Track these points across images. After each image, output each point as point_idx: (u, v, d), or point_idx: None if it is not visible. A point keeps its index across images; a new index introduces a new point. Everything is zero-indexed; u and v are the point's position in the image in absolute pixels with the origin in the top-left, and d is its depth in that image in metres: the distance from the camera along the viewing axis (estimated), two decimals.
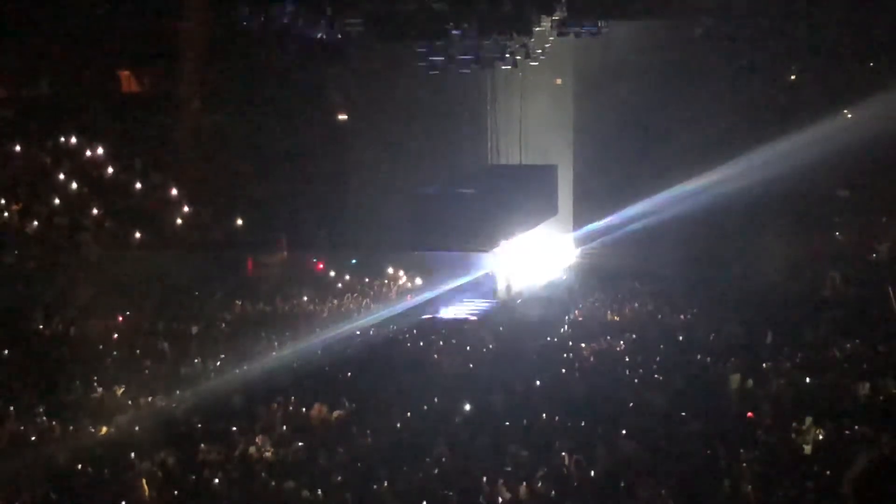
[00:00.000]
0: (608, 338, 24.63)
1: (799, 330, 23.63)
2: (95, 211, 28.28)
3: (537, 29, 30.10)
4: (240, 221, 28.77)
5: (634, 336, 24.73)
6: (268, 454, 18.69)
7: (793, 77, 30.49)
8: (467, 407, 19.82)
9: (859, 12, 27.91)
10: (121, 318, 27.39)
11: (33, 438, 19.82)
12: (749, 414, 18.47)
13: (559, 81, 34.33)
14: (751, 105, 29.95)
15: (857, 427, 17.38)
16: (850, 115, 28.46)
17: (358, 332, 25.76)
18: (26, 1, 29.60)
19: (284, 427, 20.02)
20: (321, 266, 29.89)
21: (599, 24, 29.62)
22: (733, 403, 19.59)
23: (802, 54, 29.86)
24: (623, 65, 31.49)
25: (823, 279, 27.41)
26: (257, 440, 19.10)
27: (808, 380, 20.17)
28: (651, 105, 31.13)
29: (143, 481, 17.21)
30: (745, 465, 16.18)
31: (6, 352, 24.46)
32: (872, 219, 28.85)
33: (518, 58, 30.41)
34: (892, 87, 26.48)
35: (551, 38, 30.77)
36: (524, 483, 16.26)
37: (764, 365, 21.21)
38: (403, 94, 32.38)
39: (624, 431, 17.90)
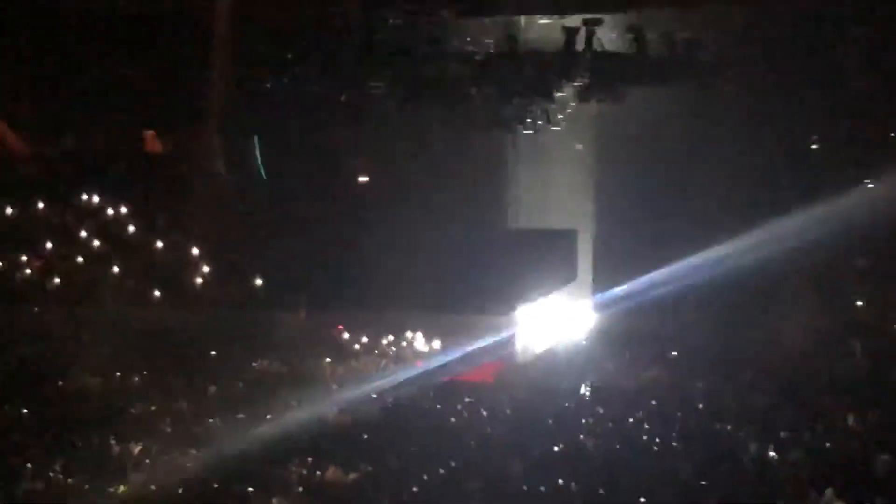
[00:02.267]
0: (627, 404, 24.52)
1: (819, 400, 23.50)
2: (116, 268, 28.38)
3: (558, 94, 30.24)
4: (259, 281, 28.79)
5: (654, 402, 24.62)
6: None
7: (814, 146, 30.47)
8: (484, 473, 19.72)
9: (882, 82, 27.97)
10: (138, 377, 27.42)
11: (49, 495, 19.77)
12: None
13: (580, 147, 34.38)
14: (773, 173, 29.93)
15: (877, 499, 17.21)
16: (871, 185, 28.42)
17: (375, 394, 25.69)
18: (51, 59, 29.90)
19: (300, 489, 19.95)
20: (342, 328, 29.87)
21: (621, 90, 29.76)
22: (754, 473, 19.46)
23: (824, 123, 29.88)
24: (644, 130, 31.50)
25: (844, 349, 27.30)
26: (273, 501, 19.03)
27: (828, 449, 20.04)
28: (672, 171, 31.09)
29: None
30: None
31: (24, 409, 24.48)
32: (893, 288, 28.69)
33: (539, 122, 30.53)
34: None
35: (573, 104, 30.91)
36: None
37: (782, 434, 21.05)
38: (424, 157, 32.48)
39: (643, 500, 17.76)
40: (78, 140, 30.88)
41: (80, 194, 28.99)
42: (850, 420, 21.75)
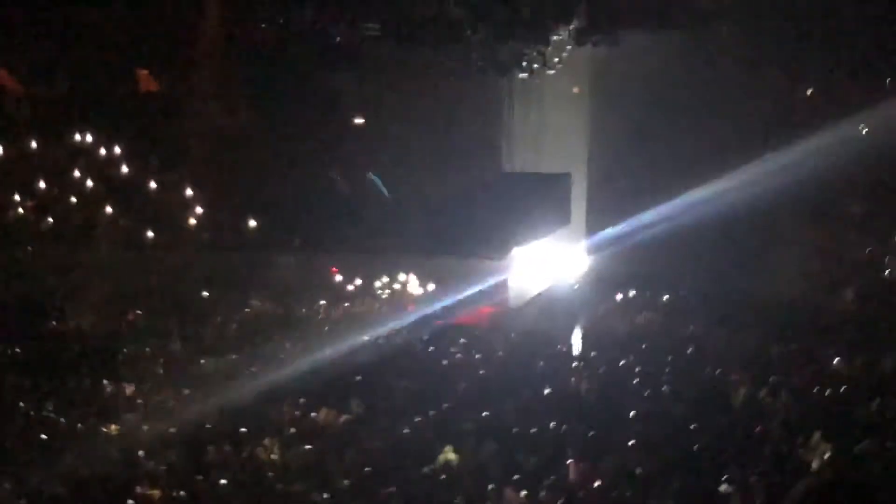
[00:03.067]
0: (618, 347, 24.65)
1: (809, 344, 23.60)
2: (110, 209, 28.36)
3: (555, 37, 30.09)
4: (253, 222, 28.80)
5: (645, 346, 24.74)
6: (275, 456, 18.73)
7: (810, 90, 30.38)
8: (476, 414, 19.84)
9: (881, 26, 27.85)
10: (132, 317, 27.50)
11: (42, 435, 19.89)
12: (759, 428, 18.38)
13: (577, 90, 34.28)
14: (767, 116, 29.89)
15: (864, 442, 17.31)
16: (865, 130, 28.34)
17: (368, 337, 25.78)
18: None
19: (293, 429, 20.06)
20: (335, 270, 29.91)
21: (617, 33, 29.62)
22: (742, 417, 19.55)
23: (821, 66, 29.78)
24: (640, 74, 31.39)
25: (835, 294, 27.41)
26: (265, 442, 19.15)
27: (816, 392, 20.13)
28: (667, 115, 31.02)
29: (150, 487, 17.26)
30: (753, 478, 16.12)
31: (18, 348, 24.57)
32: (886, 235, 28.69)
33: (535, 66, 30.42)
34: None
35: (569, 47, 30.77)
36: (530, 491, 16.28)
37: (772, 378, 21.13)
38: (419, 99, 32.36)
39: (632, 442, 17.87)
40: (72, 80, 30.63)
41: (74, 134, 28.83)
42: (837, 362, 21.81)
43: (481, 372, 23.53)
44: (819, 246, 28.99)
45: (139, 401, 22.27)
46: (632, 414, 19.18)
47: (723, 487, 15.72)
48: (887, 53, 28.10)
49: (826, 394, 19.98)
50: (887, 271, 27.89)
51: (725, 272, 28.86)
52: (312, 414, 20.98)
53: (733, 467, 16.43)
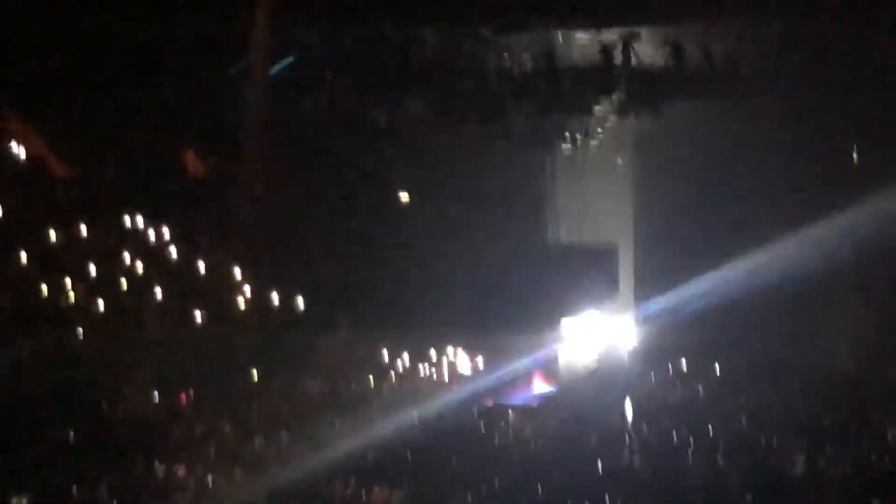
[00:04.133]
0: (671, 420, 24.40)
1: (863, 415, 23.31)
2: (159, 290, 28.53)
3: (597, 109, 30.25)
4: (301, 301, 28.85)
5: (697, 419, 24.48)
6: None
7: (856, 156, 30.28)
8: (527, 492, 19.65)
9: None
10: (184, 398, 27.54)
11: None
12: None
13: (620, 161, 34.35)
14: (815, 184, 29.76)
15: None
16: None
17: (417, 415, 25.67)
18: (96, 82, 30.14)
19: None
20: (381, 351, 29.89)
21: (659, 104, 29.74)
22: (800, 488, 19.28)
23: (869, 134, 29.69)
24: (683, 144, 31.47)
25: (888, 364, 27.08)
26: None
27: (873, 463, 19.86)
28: (712, 184, 31.03)
29: None
30: None
31: (70, 433, 24.61)
32: None
33: (578, 137, 30.55)
34: None
35: (611, 118, 30.90)
36: None
37: (828, 449, 20.87)
38: (463, 174, 32.51)
39: None
40: (119, 162, 31.01)
41: (122, 216, 29.11)
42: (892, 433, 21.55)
43: (532, 447, 23.34)
44: (871, 315, 28.72)
45: (191, 482, 22.23)
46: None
47: None
48: None
49: (885, 463, 19.72)
50: None
51: (776, 342, 28.63)
52: (364, 492, 20.86)
53: None
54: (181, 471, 22.80)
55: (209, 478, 22.44)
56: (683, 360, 29.86)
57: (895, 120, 28.80)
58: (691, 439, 22.57)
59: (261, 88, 30.50)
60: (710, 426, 23.61)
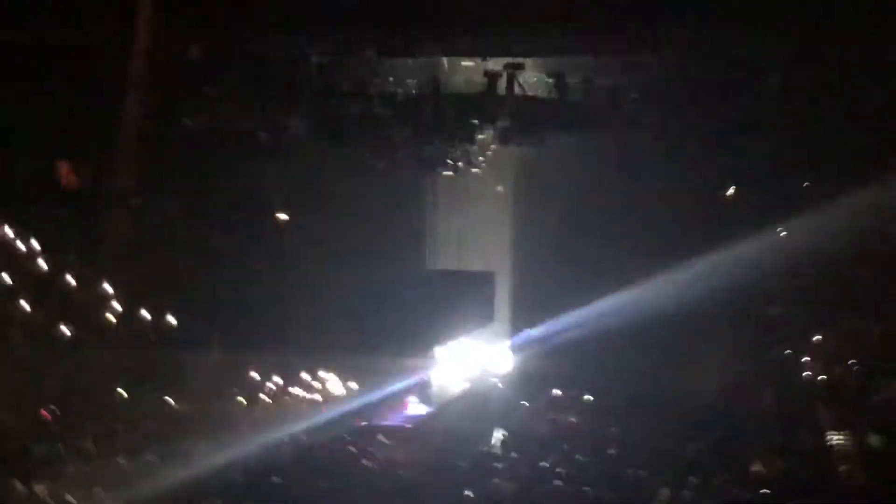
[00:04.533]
0: (540, 448, 24.49)
1: (730, 446, 23.65)
2: (25, 304, 27.82)
3: (480, 136, 30.37)
4: (170, 319, 28.40)
5: (566, 447, 24.62)
6: None
7: (729, 193, 30.88)
8: None
9: (795, 133, 28.43)
10: (46, 414, 26.84)
11: None
12: None
13: (501, 189, 34.55)
14: (689, 220, 30.28)
15: None
16: (783, 234, 28.83)
17: (287, 437, 25.40)
18: None
19: None
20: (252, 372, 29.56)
21: (541, 134, 29.96)
22: None
23: (739, 173, 30.34)
24: (564, 175, 31.80)
25: (756, 395, 27.58)
26: None
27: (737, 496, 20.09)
28: (591, 216, 31.42)
29: None
30: None
31: None
32: (805, 337, 29.03)
33: (460, 164, 30.63)
34: (825, 206, 26.87)
35: (493, 147, 31.07)
36: None
37: (693, 480, 21.12)
38: (344, 196, 32.42)
39: None
40: None
41: None
42: (757, 467, 21.86)
43: (402, 473, 23.22)
44: (739, 348, 29.28)
45: (51, 502, 21.62)
46: None
47: None
48: (809, 158, 28.65)
49: (747, 498, 19.99)
50: (806, 372, 28.13)
51: (648, 373, 29.02)
52: None
53: None
54: (41, 489, 22.21)
55: (69, 497, 21.90)
56: (556, 390, 30.08)
57: (770, 168, 29.45)
58: (559, 468, 22.67)
59: (137, 100, 30.01)
60: (578, 456, 23.78)
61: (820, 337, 28.52)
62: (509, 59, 28.90)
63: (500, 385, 30.76)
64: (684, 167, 30.25)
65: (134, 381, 28.22)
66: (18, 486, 22.15)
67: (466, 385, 30.38)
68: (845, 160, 27.67)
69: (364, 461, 24.15)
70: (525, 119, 29.73)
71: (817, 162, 28.73)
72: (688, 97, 28.96)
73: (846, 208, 26.29)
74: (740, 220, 28.56)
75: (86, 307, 28.15)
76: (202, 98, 30.83)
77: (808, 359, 28.38)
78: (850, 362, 27.36)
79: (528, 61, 28.98)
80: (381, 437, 25.95)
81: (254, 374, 29.51)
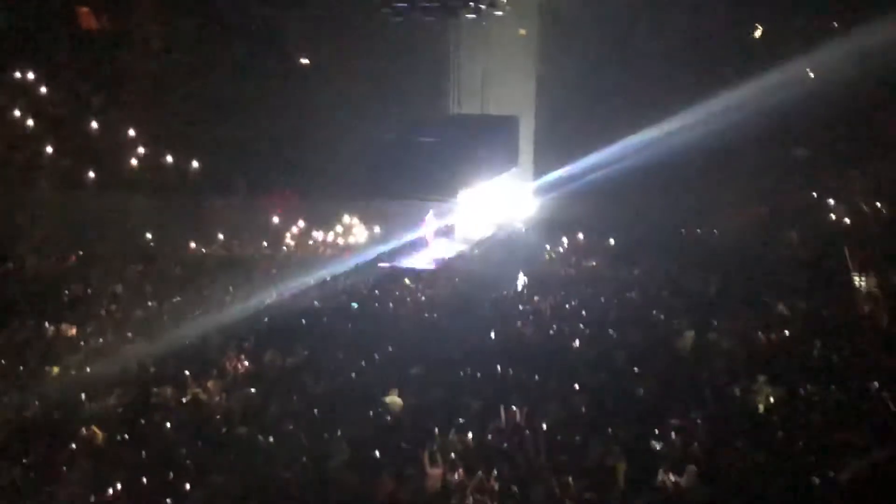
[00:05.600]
0: (563, 292, 24.65)
1: (754, 288, 23.74)
2: (50, 149, 27.89)
3: None
4: (196, 164, 28.46)
5: (590, 290, 24.77)
6: (219, 399, 18.58)
7: (756, 33, 30.39)
8: (421, 358, 19.77)
9: None
10: (74, 258, 27.15)
11: None
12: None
13: (523, 32, 34.12)
14: (714, 59, 29.85)
15: (809, 387, 17.48)
16: (812, 74, 28.45)
17: (313, 280, 25.63)
18: None
19: (238, 373, 19.92)
20: (281, 211, 29.68)
21: None
22: (686, 360, 19.63)
23: (768, 11, 29.82)
24: (587, 18, 31.34)
25: (780, 238, 27.57)
26: (210, 385, 18.99)
27: (761, 337, 20.23)
28: (614, 58, 31.03)
29: (94, 426, 17.08)
30: (697, 422, 16.23)
31: None
32: (831, 179, 28.88)
33: (482, 7, 30.16)
34: (853, 46, 26.44)
35: None
36: (475, 434, 16.28)
37: (716, 322, 21.24)
38: (365, 41, 32.08)
39: (577, 386, 17.92)
40: (9, 15, 29.97)
41: (13, 71, 28.26)
42: (781, 307, 21.95)
43: (427, 316, 23.45)
44: (764, 190, 29.16)
45: (81, 342, 22.00)
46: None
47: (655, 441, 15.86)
48: None
49: (770, 337, 20.14)
50: (831, 215, 28.08)
51: (672, 216, 29.01)
52: (257, 357, 20.81)
53: (676, 412, 16.56)
54: (71, 330, 22.58)
55: (100, 338, 22.28)
56: (579, 233, 30.18)
57: (796, 7, 28.96)
58: (583, 311, 22.84)
59: None
60: (601, 298, 23.94)
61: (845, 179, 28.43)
62: None
63: (523, 229, 30.81)
64: (710, 7, 29.77)
65: (159, 226, 28.48)
66: (49, 328, 22.56)
67: (491, 228, 30.42)
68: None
69: (389, 304, 24.44)
70: None
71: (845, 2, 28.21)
72: None
73: (872, 48, 25.87)
74: (767, 61, 28.10)
75: (110, 152, 28.24)
76: None
77: (833, 201, 28.28)
78: (875, 204, 27.31)
79: None
80: (406, 280, 26.18)
81: (277, 219, 29.67)
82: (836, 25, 28.51)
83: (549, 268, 27.88)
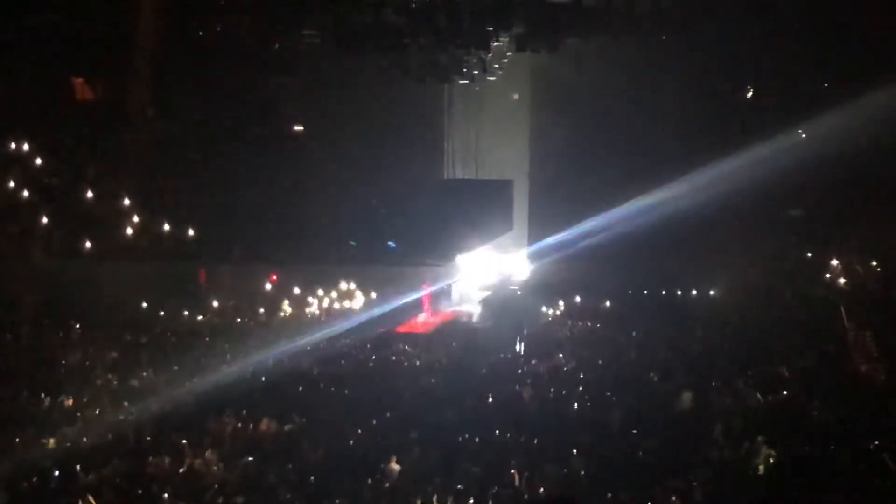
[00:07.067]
0: (561, 355, 24.62)
1: (751, 348, 23.73)
2: (45, 219, 27.92)
3: (495, 44, 30.09)
4: (191, 232, 28.49)
5: (587, 353, 24.73)
6: (216, 468, 18.45)
7: (749, 96, 30.62)
8: (419, 423, 19.68)
9: (816, 34, 28.10)
10: (70, 328, 27.08)
11: None
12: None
13: (516, 97, 34.38)
14: (707, 123, 30.05)
15: (808, 447, 17.41)
16: (804, 135, 28.63)
17: (310, 347, 25.57)
18: None
19: (234, 441, 19.79)
20: (275, 278, 29.69)
21: (556, 40, 29.65)
22: (685, 422, 19.56)
23: (759, 74, 30.06)
24: (580, 81, 31.55)
25: (776, 298, 27.59)
26: (206, 454, 18.86)
27: (759, 398, 20.18)
28: (607, 122, 31.21)
29: (89, 496, 16.94)
30: (695, 484, 16.14)
31: None
32: (825, 238, 28.96)
33: (475, 72, 30.39)
34: (846, 107, 26.61)
35: (509, 54, 30.81)
36: (475, 500, 16.16)
37: (714, 383, 21.20)
38: (359, 107, 32.28)
39: (575, 450, 17.84)
40: (6, 87, 30.11)
41: (9, 143, 28.35)
42: (783, 369, 21.92)
43: (425, 380, 23.38)
44: (760, 252, 29.22)
45: (77, 413, 21.87)
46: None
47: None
48: (828, 58, 28.30)
49: (768, 398, 20.10)
50: (827, 275, 28.12)
51: (667, 279, 29.04)
52: (253, 424, 20.70)
53: (675, 473, 16.48)
54: (68, 401, 22.46)
55: (96, 407, 22.15)
56: (576, 296, 30.18)
57: (790, 69, 29.16)
58: (580, 374, 22.81)
59: (153, 15, 29.89)
60: (598, 361, 23.90)
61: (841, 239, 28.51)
62: None
63: (518, 292, 30.85)
64: (701, 72, 29.99)
65: (155, 295, 28.44)
66: (45, 398, 22.44)
67: (486, 292, 30.46)
68: (866, 62, 27.33)
69: (386, 369, 24.37)
70: (540, 25, 29.39)
71: (838, 64, 28.42)
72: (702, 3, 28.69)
73: (865, 110, 26.04)
74: (759, 124, 28.30)
75: (107, 222, 28.26)
76: (216, 9, 30.65)
77: (828, 261, 28.33)
78: (871, 264, 27.36)
79: None
80: (403, 344, 26.13)
81: (273, 287, 29.65)
82: (828, 86, 28.76)
83: (546, 330, 27.86)
